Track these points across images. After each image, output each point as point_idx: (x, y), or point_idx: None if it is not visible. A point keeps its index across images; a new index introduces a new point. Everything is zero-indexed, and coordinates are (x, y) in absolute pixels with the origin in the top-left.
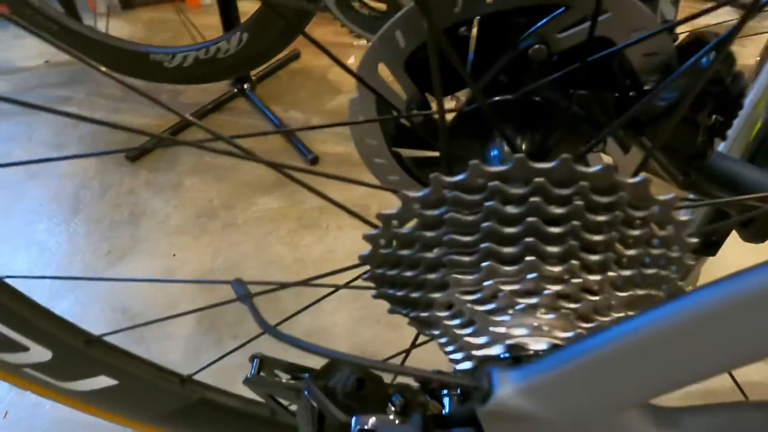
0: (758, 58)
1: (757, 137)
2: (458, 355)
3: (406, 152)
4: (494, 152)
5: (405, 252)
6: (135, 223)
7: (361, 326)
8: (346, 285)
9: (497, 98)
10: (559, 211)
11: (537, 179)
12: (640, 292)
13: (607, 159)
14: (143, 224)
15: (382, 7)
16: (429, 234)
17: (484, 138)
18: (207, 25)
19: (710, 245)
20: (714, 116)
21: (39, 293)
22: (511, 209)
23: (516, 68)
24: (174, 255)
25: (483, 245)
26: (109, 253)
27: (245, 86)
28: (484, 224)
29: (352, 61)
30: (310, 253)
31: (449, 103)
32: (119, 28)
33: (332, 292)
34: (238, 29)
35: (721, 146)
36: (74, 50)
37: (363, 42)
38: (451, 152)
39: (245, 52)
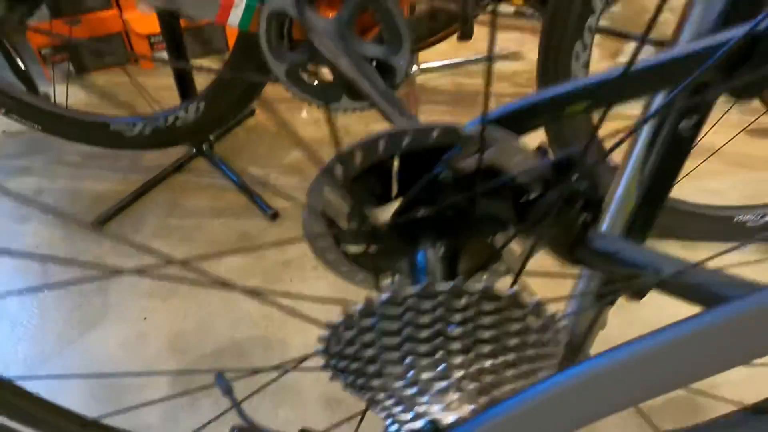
0: (627, 146)
1: (630, 216)
2: (394, 427)
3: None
4: (420, 256)
5: (349, 350)
6: (104, 289)
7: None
8: (297, 366)
9: (416, 213)
10: (458, 317)
11: (441, 297)
12: (526, 367)
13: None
14: (112, 290)
15: (329, 77)
16: (366, 337)
17: (413, 243)
18: (162, 86)
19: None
20: (584, 214)
21: (14, 368)
22: (423, 318)
23: (432, 188)
24: (145, 318)
25: (404, 346)
26: (80, 322)
27: (204, 146)
28: (405, 330)
29: (304, 115)
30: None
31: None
32: (75, 93)
33: (281, 375)
34: (194, 99)
35: (605, 225)
36: (36, 124)
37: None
38: (390, 249)
39: (202, 120)
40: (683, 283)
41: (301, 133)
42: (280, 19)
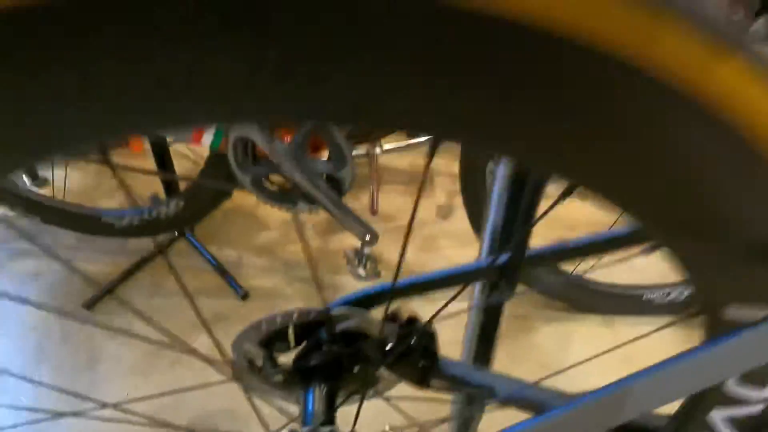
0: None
1: (474, 346)
2: None
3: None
4: (309, 393)
5: None
6: (93, 367)
7: None
8: None
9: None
10: None
11: None
12: None
13: None
14: (100, 367)
15: (286, 185)
16: None
17: (307, 381)
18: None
19: None
20: (422, 361)
21: None
22: None
23: (317, 344)
24: (127, 394)
25: None
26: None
27: (185, 229)
28: None
29: None
30: None
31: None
32: (71, 176)
33: None
34: (175, 198)
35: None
36: (37, 217)
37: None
38: (293, 383)
39: (183, 214)
40: (517, 398)
41: (274, 215)
42: (245, 142)
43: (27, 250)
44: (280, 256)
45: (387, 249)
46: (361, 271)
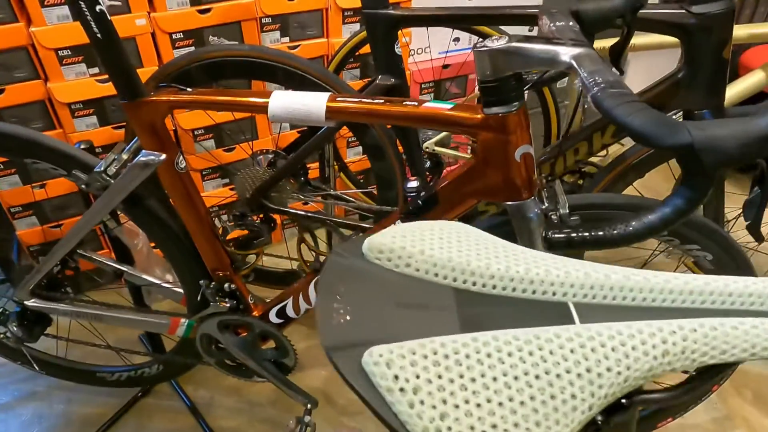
0: None
1: None
2: None
3: None
4: None
5: None
6: None
7: None
8: None
9: None
10: None
11: None
12: None
13: None
14: None
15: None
16: None
17: None
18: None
19: None
20: None
21: None
22: None
23: None
24: None
25: None
26: None
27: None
28: None
29: None
30: None
31: None
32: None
33: None
34: (156, 361)
35: None
36: (41, 371)
37: None
38: None
39: (163, 374)
40: None
41: None
42: (208, 336)
43: (32, 390)
44: (245, 396)
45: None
46: None
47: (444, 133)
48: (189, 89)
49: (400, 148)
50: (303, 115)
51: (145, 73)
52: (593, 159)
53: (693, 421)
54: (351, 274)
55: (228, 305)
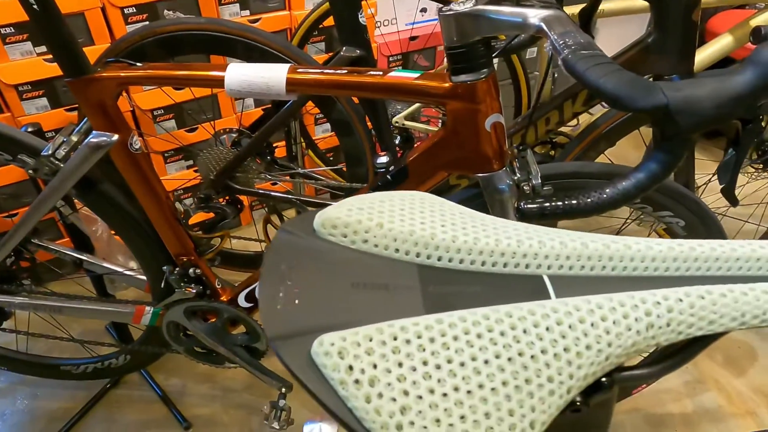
0: None
1: None
2: None
3: None
4: None
5: None
6: None
7: None
8: None
9: None
10: None
11: None
12: None
13: None
14: None
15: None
16: None
17: None
18: None
19: None
20: None
21: None
22: None
23: None
24: None
25: None
26: None
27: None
28: None
29: None
30: None
31: None
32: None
33: None
34: (122, 352)
35: None
36: (3, 367)
37: None
38: None
39: (130, 365)
40: None
41: None
42: (175, 323)
43: None
44: (219, 382)
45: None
46: (276, 425)
47: (414, 107)
48: (139, 64)
49: (369, 124)
50: (262, 88)
51: (96, 51)
52: (564, 129)
53: (666, 385)
54: (300, 253)
55: (194, 291)
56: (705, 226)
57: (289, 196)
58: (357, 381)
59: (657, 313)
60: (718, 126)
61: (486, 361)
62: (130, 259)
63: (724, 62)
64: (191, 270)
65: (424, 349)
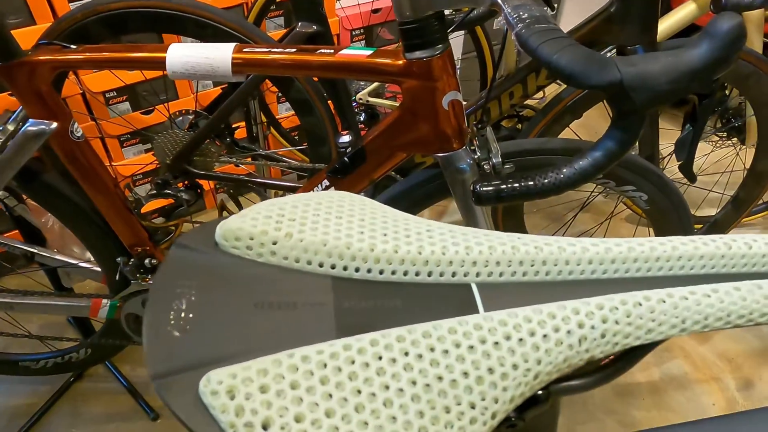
0: None
1: None
2: None
3: None
4: None
5: None
6: None
7: None
8: None
9: None
10: None
11: None
12: None
13: None
14: None
15: None
16: None
17: None
18: None
19: None
20: None
21: None
22: None
23: None
24: None
25: None
26: None
27: None
28: None
29: None
30: None
31: None
32: None
33: None
34: (83, 345)
35: None
36: None
37: None
38: None
39: (91, 358)
40: None
41: None
42: (134, 314)
43: None
44: None
45: None
46: None
47: (378, 83)
48: (74, 47)
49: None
50: (207, 70)
51: (38, 31)
52: (532, 102)
53: None
54: (197, 271)
55: (151, 282)
56: (667, 198)
57: (251, 179)
58: (248, 424)
59: (591, 324)
60: (674, 101)
61: (400, 390)
62: (85, 250)
63: (688, 30)
64: (147, 260)
65: (328, 381)
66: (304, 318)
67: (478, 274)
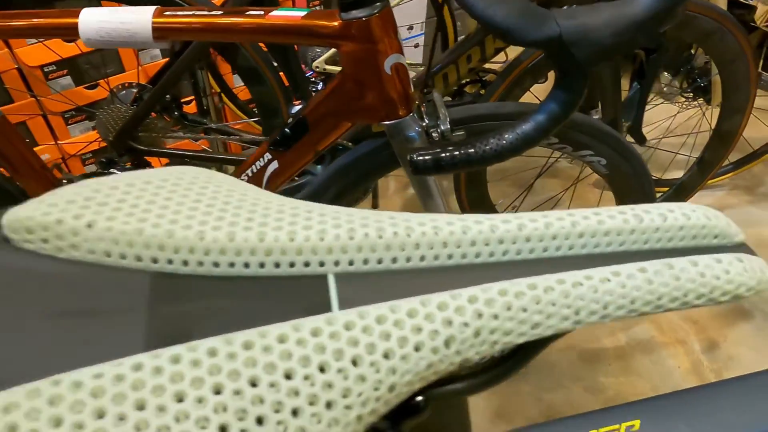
0: None
1: None
2: None
3: None
4: None
5: None
6: None
7: None
8: None
9: None
10: None
11: None
12: None
13: None
14: None
15: None
16: None
17: None
18: None
19: None
20: None
21: None
22: None
23: None
24: None
25: None
26: None
27: None
28: None
29: None
30: None
31: None
32: None
33: None
34: None
35: None
36: None
37: None
38: None
39: None
40: None
41: None
42: None
43: None
44: None
45: None
46: None
47: (334, 49)
48: None
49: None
50: (125, 36)
51: None
52: (495, 66)
53: None
54: None
55: None
56: (628, 163)
57: (204, 155)
58: None
59: (462, 322)
60: (618, 56)
61: (202, 422)
62: None
63: None
64: None
65: (102, 415)
66: (103, 327)
67: (337, 263)
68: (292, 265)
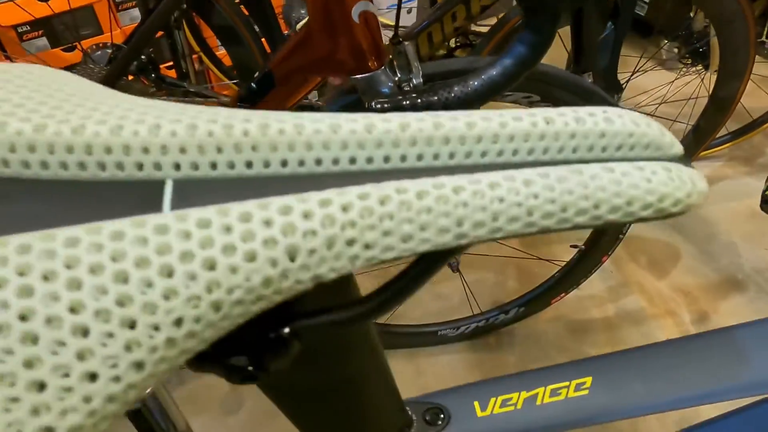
0: None
1: None
2: None
3: None
4: None
5: None
6: None
7: None
8: None
9: None
10: None
11: None
12: None
13: None
14: None
15: None
16: None
17: None
18: None
19: None
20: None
21: None
22: None
23: None
24: None
25: None
26: None
27: None
28: None
29: None
30: None
31: None
32: None
33: None
34: None
35: None
36: None
37: None
38: None
39: None
40: None
41: None
42: None
43: None
44: None
45: None
46: None
47: None
48: None
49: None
50: None
51: None
52: (485, 30)
53: (588, 291)
54: None
55: None
56: None
57: None
58: None
59: (308, 229)
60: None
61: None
62: None
63: None
64: None
65: None
66: None
67: (177, 167)
68: (120, 166)
